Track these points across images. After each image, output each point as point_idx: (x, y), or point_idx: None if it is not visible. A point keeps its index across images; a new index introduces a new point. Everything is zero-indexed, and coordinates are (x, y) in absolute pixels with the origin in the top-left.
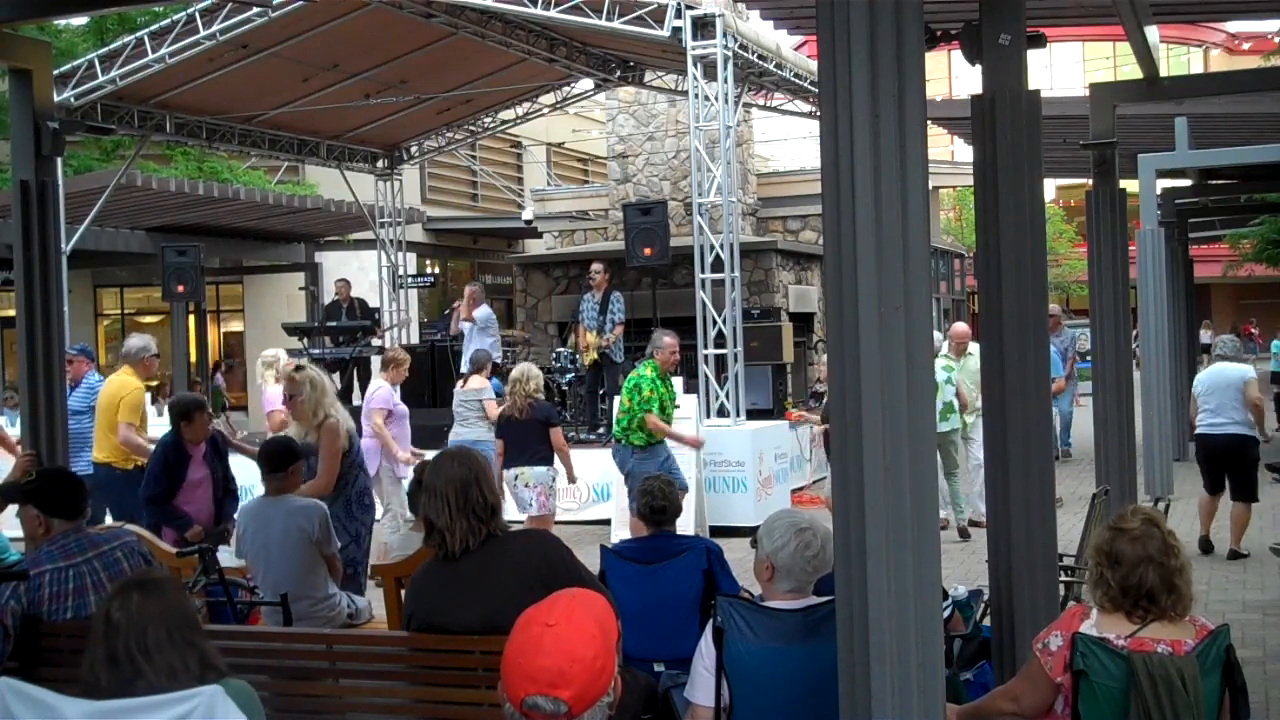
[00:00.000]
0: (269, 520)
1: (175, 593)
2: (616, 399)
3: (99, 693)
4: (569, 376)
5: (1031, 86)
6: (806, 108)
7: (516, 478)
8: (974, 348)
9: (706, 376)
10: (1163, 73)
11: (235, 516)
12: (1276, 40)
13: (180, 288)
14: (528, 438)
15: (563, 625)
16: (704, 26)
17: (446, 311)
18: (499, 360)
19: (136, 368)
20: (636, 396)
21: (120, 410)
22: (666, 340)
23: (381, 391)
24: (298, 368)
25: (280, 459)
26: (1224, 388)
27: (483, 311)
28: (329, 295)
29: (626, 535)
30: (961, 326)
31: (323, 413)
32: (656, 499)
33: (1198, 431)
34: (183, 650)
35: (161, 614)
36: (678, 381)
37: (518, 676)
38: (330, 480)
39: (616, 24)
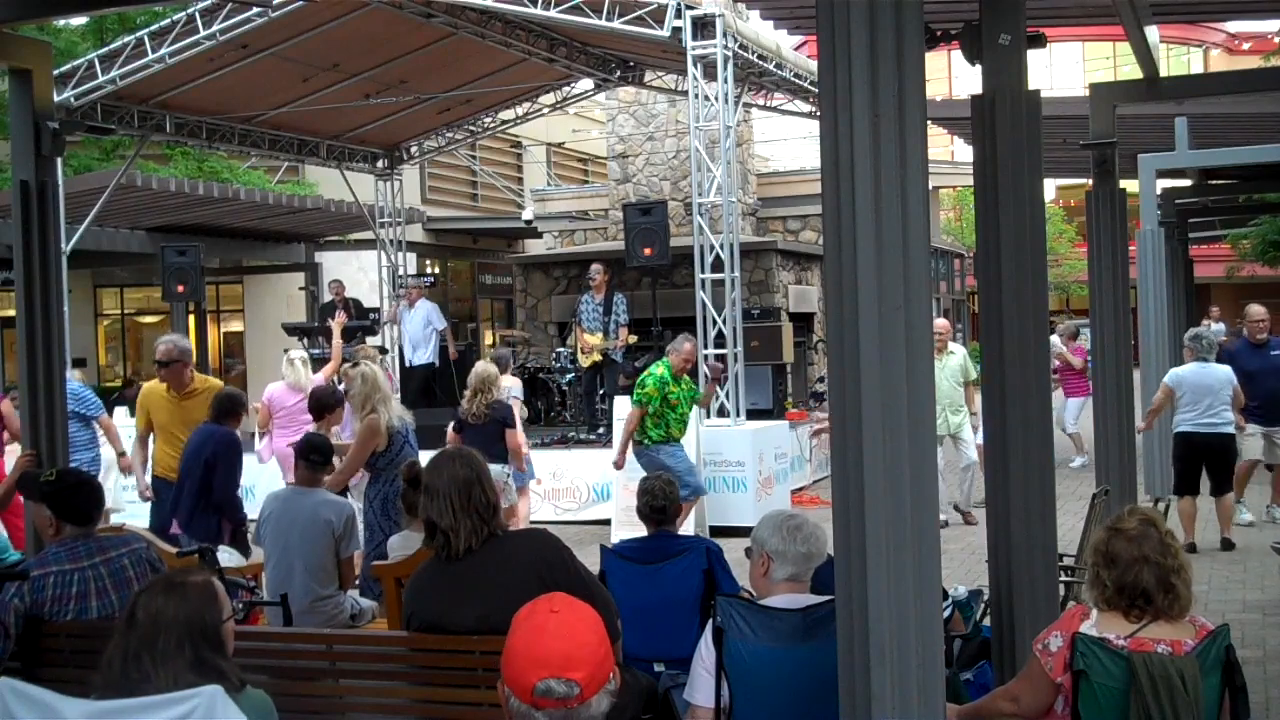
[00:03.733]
0: (295, 507)
1: (200, 601)
2: (618, 399)
3: (111, 687)
4: (569, 377)
5: (1031, 86)
6: (806, 108)
7: None
8: (955, 347)
9: (706, 377)
10: (1163, 73)
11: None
12: (1276, 40)
13: (180, 288)
14: (488, 439)
15: (565, 611)
16: (704, 26)
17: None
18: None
19: None
20: (639, 393)
21: None
22: (686, 346)
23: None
24: (354, 364)
25: (318, 451)
26: (1212, 386)
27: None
28: (328, 295)
29: (626, 535)
30: (940, 321)
31: (369, 406)
32: (657, 499)
33: (1184, 429)
34: (194, 663)
35: (178, 622)
36: None
37: (526, 663)
38: (350, 471)
39: (616, 24)
